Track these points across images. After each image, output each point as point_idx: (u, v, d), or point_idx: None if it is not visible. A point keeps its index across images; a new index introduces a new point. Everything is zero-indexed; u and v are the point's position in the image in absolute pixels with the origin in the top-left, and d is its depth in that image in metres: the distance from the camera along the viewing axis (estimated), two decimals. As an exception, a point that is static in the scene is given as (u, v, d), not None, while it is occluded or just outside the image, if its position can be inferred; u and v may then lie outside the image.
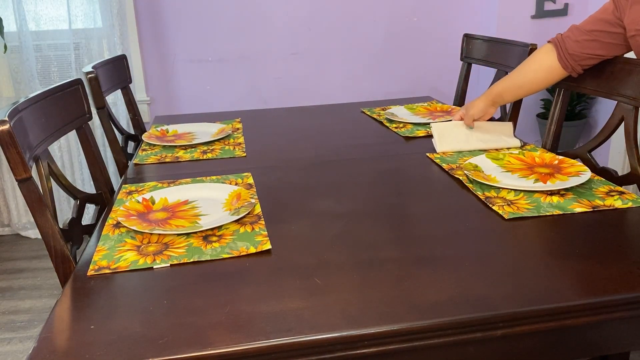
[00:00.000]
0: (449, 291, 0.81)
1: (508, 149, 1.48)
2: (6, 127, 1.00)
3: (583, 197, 1.13)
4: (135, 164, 1.50)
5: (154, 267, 0.93)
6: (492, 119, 2.07)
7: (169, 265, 0.93)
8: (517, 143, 1.50)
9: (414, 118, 1.82)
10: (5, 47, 2.45)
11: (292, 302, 0.81)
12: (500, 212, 1.07)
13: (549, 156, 1.35)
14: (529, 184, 1.19)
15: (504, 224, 1.03)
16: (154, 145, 1.67)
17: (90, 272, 0.92)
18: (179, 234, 1.04)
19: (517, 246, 0.94)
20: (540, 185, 1.18)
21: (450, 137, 1.50)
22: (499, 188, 1.19)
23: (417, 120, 1.78)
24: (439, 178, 1.28)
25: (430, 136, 1.59)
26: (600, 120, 2.83)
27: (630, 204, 1.08)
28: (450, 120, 1.60)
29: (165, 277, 0.90)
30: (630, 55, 1.35)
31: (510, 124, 1.56)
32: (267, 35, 2.80)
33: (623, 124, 1.37)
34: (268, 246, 0.98)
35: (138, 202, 1.18)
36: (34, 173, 1.07)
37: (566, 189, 1.17)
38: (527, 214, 1.06)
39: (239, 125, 1.87)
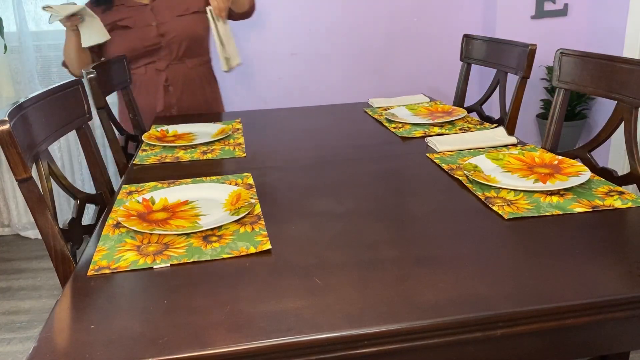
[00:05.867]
0: (449, 291, 0.81)
1: (506, 146, 1.48)
2: (6, 127, 1.00)
3: (583, 197, 1.13)
4: (135, 164, 1.50)
5: (154, 267, 0.93)
6: (489, 119, 2.07)
7: (169, 265, 0.94)
8: (514, 140, 1.50)
9: (414, 118, 1.83)
10: (5, 47, 2.45)
11: (292, 302, 0.81)
12: (500, 212, 1.07)
13: (548, 156, 1.35)
14: (528, 184, 1.19)
15: (504, 224, 1.03)
16: (154, 145, 1.67)
17: (90, 272, 0.92)
18: (179, 234, 1.04)
19: (517, 246, 0.95)
20: (540, 186, 1.18)
21: (447, 143, 1.51)
22: (498, 188, 1.19)
23: (417, 121, 1.78)
24: (439, 178, 1.28)
25: (428, 136, 1.60)
26: (600, 120, 2.83)
27: (630, 204, 1.08)
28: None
29: (165, 277, 0.90)
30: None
31: (501, 128, 1.59)
32: (267, 36, 2.80)
33: (623, 124, 1.37)
34: (268, 246, 0.98)
35: (138, 202, 1.18)
36: (34, 173, 1.07)
37: (566, 189, 1.17)
38: (527, 214, 1.06)
39: (239, 126, 1.87)
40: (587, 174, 1.21)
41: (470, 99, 2.27)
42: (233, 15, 2.08)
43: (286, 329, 0.74)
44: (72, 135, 2.62)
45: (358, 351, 0.74)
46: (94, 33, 1.94)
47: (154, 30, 1.97)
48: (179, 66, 2.06)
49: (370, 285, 0.84)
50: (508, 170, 1.30)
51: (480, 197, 1.15)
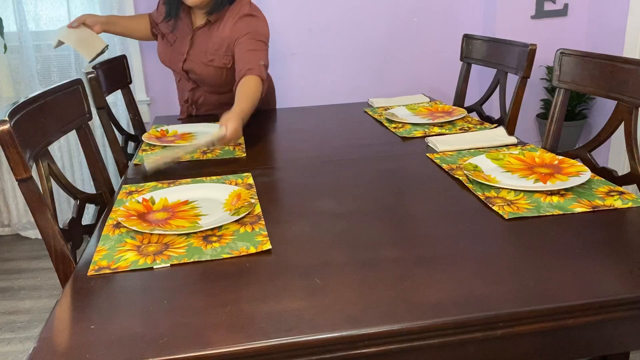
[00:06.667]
0: (449, 291, 0.81)
1: (506, 146, 1.48)
2: (6, 127, 1.00)
3: (583, 197, 1.13)
4: (135, 164, 1.50)
5: (154, 267, 0.93)
6: (489, 119, 2.07)
7: (169, 265, 0.94)
8: (514, 140, 1.50)
9: (414, 118, 1.82)
10: (5, 47, 2.45)
11: (292, 302, 0.81)
12: (500, 212, 1.07)
13: (549, 156, 1.35)
14: (529, 184, 1.19)
15: (504, 224, 1.03)
16: (154, 145, 1.67)
17: (90, 272, 0.92)
18: (179, 234, 1.04)
19: (517, 246, 0.94)
20: (540, 185, 1.18)
21: (447, 143, 1.51)
22: (499, 188, 1.19)
23: (416, 121, 1.78)
24: (439, 178, 1.28)
25: (428, 136, 1.60)
26: (600, 120, 2.83)
27: (630, 204, 1.08)
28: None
29: (165, 277, 0.90)
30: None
31: (502, 128, 1.59)
32: (267, 36, 2.80)
33: (623, 124, 1.37)
34: (268, 246, 0.98)
35: (138, 202, 1.18)
36: (34, 173, 1.07)
37: (566, 189, 1.17)
38: (527, 214, 1.06)
39: (239, 126, 1.86)
40: (587, 174, 1.21)
41: (470, 99, 2.27)
42: None
43: (286, 329, 0.74)
44: (72, 135, 2.62)
45: (358, 351, 0.74)
46: (91, 44, 1.92)
47: (181, 60, 1.93)
48: (203, 93, 2.03)
49: (370, 285, 0.84)
50: (508, 170, 1.30)
51: (481, 197, 1.15)
